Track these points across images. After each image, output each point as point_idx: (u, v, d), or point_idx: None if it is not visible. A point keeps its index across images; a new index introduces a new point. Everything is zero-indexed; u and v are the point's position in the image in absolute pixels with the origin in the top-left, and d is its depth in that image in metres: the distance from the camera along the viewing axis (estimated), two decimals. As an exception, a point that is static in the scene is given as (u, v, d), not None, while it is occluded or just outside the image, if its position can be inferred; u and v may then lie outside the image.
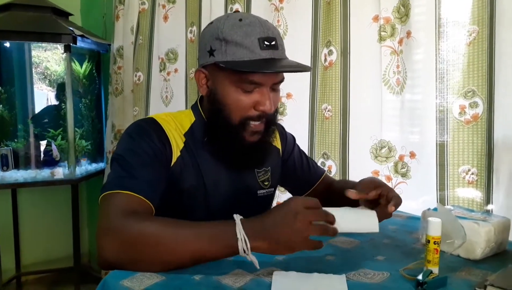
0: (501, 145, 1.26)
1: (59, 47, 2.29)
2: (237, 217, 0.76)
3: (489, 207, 1.28)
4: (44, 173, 2.24)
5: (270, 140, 0.99)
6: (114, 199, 0.82)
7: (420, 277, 0.72)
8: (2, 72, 2.28)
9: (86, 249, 2.91)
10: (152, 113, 2.19)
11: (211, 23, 0.95)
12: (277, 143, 1.13)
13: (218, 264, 0.79)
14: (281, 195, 1.75)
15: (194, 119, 1.00)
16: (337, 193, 1.00)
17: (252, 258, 0.75)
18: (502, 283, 0.69)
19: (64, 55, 2.23)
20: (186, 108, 2.15)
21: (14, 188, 2.45)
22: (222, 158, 0.97)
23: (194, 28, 2.06)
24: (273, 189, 1.10)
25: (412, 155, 1.46)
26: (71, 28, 2.14)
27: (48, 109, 2.41)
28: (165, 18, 2.22)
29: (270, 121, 0.95)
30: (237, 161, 0.97)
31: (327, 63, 1.59)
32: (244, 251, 0.74)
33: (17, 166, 2.23)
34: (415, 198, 1.44)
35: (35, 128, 2.32)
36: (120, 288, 0.71)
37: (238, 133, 0.92)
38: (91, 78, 2.54)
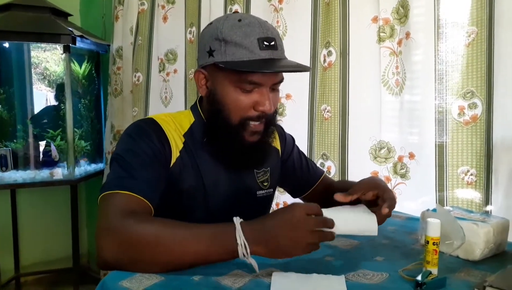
0: (500, 146, 1.26)
1: (58, 48, 2.28)
2: (237, 221, 0.76)
3: (488, 208, 1.29)
4: (43, 174, 2.23)
5: (269, 140, 0.99)
6: (113, 199, 0.82)
7: (419, 277, 0.72)
8: (1, 73, 2.27)
9: (85, 250, 2.91)
10: (151, 114, 2.18)
11: (211, 23, 0.95)
12: (276, 144, 1.13)
13: (217, 264, 0.79)
14: (280, 196, 1.75)
15: (194, 119, 1.00)
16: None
17: (252, 261, 0.75)
18: (501, 284, 0.69)
19: (64, 55, 2.23)
20: (186, 108, 2.15)
21: (13, 188, 2.44)
22: (222, 159, 0.97)
23: (194, 28, 2.06)
24: (272, 189, 1.10)
25: (411, 156, 1.46)
26: (70, 29, 2.14)
27: (47, 110, 2.41)
28: (165, 18, 2.23)
29: (270, 122, 0.95)
30: (237, 161, 0.97)
31: (326, 64, 1.59)
32: (244, 255, 0.74)
33: (16, 167, 2.23)
34: (414, 199, 1.45)
35: (34, 129, 2.31)
36: (119, 288, 0.71)
37: (237, 133, 0.92)
38: (91, 79, 2.54)
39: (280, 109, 1.73)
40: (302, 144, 1.63)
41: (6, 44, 2.24)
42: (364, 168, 1.53)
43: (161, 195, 0.90)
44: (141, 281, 0.73)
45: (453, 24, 1.31)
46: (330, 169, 1.60)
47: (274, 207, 1.75)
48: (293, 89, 1.73)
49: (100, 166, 2.60)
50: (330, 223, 0.77)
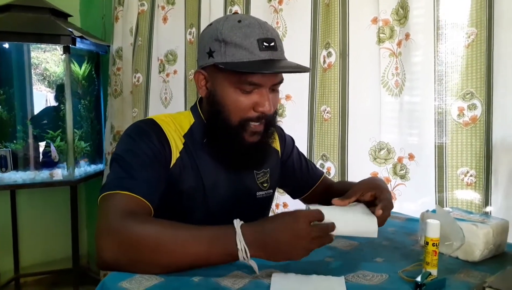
0: (499, 147, 1.26)
1: (58, 48, 2.29)
2: (237, 225, 0.76)
3: (488, 209, 1.29)
4: (43, 174, 2.23)
5: (269, 141, 0.99)
6: (113, 200, 0.82)
7: (418, 278, 0.73)
8: (1, 73, 2.27)
9: (85, 251, 2.91)
10: (151, 115, 2.18)
11: (210, 24, 0.95)
12: (276, 144, 1.13)
13: (217, 265, 0.79)
14: (280, 197, 1.75)
15: (194, 120, 1.00)
16: (336, 194, 1.00)
17: (252, 263, 0.76)
18: (501, 285, 0.69)
19: (63, 56, 2.24)
20: (185, 109, 2.15)
21: (13, 189, 2.44)
22: (222, 160, 0.97)
23: (193, 29, 2.06)
24: (272, 190, 1.10)
25: (411, 157, 1.46)
26: (70, 29, 2.14)
27: (47, 110, 2.41)
28: (164, 19, 2.23)
29: (270, 122, 0.95)
30: (237, 162, 0.97)
31: (326, 65, 1.59)
32: (244, 259, 0.75)
33: (16, 167, 2.23)
34: (414, 200, 1.45)
35: (34, 129, 2.31)
36: (119, 289, 0.71)
37: (237, 134, 0.92)
38: (90, 79, 2.54)
39: (280, 110, 1.73)
40: (301, 145, 1.63)
41: (6, 45, 2.24)
42: (363, 169, 1.53)
43: (161, 195, 0.90)
44: (141, 282, 0.73)
45: (453, 25, 1.31)
46: (330, 170, 1.60)
47: (273, 208, 1.75)
48: (293, 90, 1.73)
49: (100, 166, 2.60)
50: (331, 228, 0.77)
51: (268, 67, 0.87)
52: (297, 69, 0.91)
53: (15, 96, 2.29)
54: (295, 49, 1.68)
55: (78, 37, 2.17)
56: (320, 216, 0.77)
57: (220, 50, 0.89)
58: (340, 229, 0.78)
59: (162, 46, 2.24)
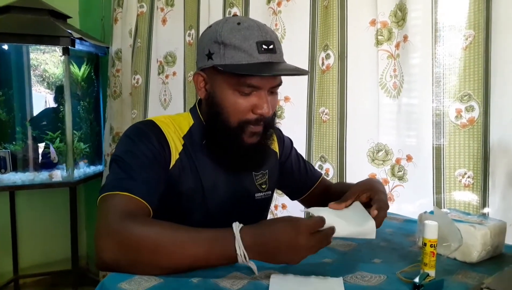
0: (497, 148, 1.27)
1: (58, 50, 2.29)
2: (236, 230, 0.76)
3: (485, 210, 1.29)
4: (42, 176, 2.24)
5: (268, 143, 0.99)
6: (112, 200, 0.82)
7: (416, 280, 0.73)
8: (0, 75, 2.27)
9: (84, 252, 2.90)
10: (150, 116, 2.19)
11: (210, 26, 0.95)
12: (275, 146, 1.14)
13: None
14: (279, 198, 1.76)
15: (193, 122, 1.01)
16: (334, 196, 1.00)
17: (251, 264, 0.76)
18: (498, 286, 0.69)
19: (63, 57, 2.24)
20: (185, 111, 2.15)
21: (12, 190, 2.45)
22: (221, 161, 0.98)
23: (193, 31, 2.07)
24: (270, 192, 1.10)
25: (409, 158, 1.46)
26: (69, 31, 2.14)
27: (46, 112, 2.41)
28: (164, 21, 2.23)
29: (268, 124, 0.96)
30: (236, 163, 0.97)
31: (324, 67, 1.60)
32: (243, 261, 0.75)
33: (15, 169, 2.23)
34: (412, 201, 1.45)
35: (33, 131, 2.32)
36: (118, 290, 0.71)
37: (236, 136, 0.93)
38: (90, 81, 2.54)
39: (279, 112, 1.73)
40: (300, 146, 1.63)
41: (5, 46, 2.25)
42: (362, 171, 1.54)
43: (160, 197, 0.90)
44: (140, 283, 0.73)
45: (451, 28, 1.32)
46: (328, 171, 1.60)
47: (272, 209, 1.76)
48: (292, 92, 1.73)
49: (99, 168, 2.60)
50: (331, 233, 0.77)
51: (266, 69, 0.87)
52: (296, 72, 0.91)
53: (14, 98, 2.29)
54: (294, 51, 1.68)
55: (78, 38, 2.17)
56: (321, 225, 0.77)
57: (219, 52, 0.89)
58: (338, 231, 0.79)
59: (161, 48, 2.25)
